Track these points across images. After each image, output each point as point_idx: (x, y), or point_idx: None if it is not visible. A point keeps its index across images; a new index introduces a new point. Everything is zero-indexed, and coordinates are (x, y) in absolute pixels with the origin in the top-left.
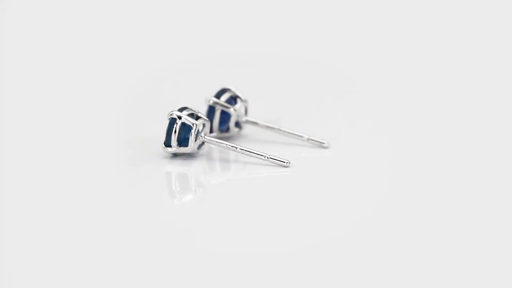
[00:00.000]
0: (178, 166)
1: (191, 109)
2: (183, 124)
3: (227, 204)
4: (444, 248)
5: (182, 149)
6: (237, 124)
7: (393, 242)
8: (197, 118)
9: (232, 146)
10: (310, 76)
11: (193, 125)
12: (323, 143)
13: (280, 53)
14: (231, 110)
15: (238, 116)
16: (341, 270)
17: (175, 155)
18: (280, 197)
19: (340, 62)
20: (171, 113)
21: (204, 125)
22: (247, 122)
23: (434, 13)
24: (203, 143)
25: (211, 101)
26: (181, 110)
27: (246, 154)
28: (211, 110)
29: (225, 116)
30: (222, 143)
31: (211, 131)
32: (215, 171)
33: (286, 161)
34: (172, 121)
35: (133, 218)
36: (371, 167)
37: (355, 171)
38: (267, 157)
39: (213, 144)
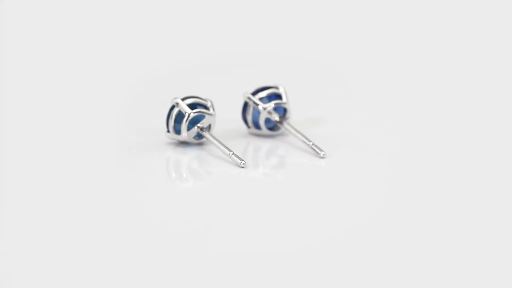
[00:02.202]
0: (177, 154)
1: (200, 99)
2: (179, 111)
3: (219, 203)
4: (440, 252)
5: (177, 136)
6: (269, 123)
7: (390, 244)
8: (205, 108)
9: (214, 139)
10: (310, 76)
11: (185, 114)
12: (319, 153)
13: (280, 53)
14: (259, 107)
15: (269, 114)
16: (336, 272)
17: (181, 143)
18: (274, 198)
19: (340, 62)
20: (173, 98)
21: (203, 116)
22: (278, 122)
23: (435, 13)
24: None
25: (245, 96)
26: (185, 98)
27: (216, 147)
28: (246, 105)
29: (256, 113)
30: (209, 138)
31: (248, 127)
32: (212, 166)
33: (242, 162)
34: (172, 107)
35: (124, 214)
36: (370, 169)
37: (354, 173)
38: (231, 154)
39: (206, 138)
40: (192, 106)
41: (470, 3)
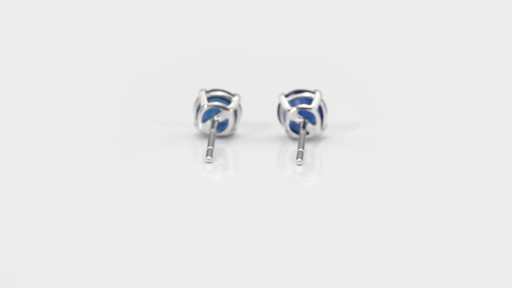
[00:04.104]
0: (192, 147)
1: (226, 93)
2: (199, 102)
3: (212, 203)
4: (440, 259)
5: (197, 127)
6: (295, 126)
7: (388, 246)
8: (226, 103)
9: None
10: (310, 76)
11: (202, 106)
12: (296, 160)
13: (281, 53)
14: (287, 110)
15: (293, 117)
16: (334, 273)
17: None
18: (278, 199)
19: (340, 62)
20: (199, 90)
21: (219, 110)
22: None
23: (437, 13)
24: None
25: (279, 96)
26: (211, 90)
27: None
28: (279, 106)
29: (284, 115)
30: (210, 131)
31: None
32: (218, 163)
33: (208, 158)
34: (197, 98)
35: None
36: (373, 171)
37: (358, 176)
38: (208, 148)
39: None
40: (213, 99)
41: (470, 3)
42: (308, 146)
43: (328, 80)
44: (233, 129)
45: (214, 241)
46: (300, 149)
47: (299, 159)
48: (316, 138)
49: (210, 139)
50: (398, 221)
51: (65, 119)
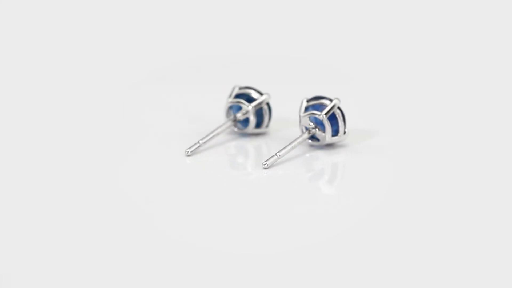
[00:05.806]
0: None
1: (254, 91)
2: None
3: (213, 202)
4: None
5: None
6: (306, 129)
7: (385, 248)
8: (249, 101)
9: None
10: (309, 76)
11: (228, 102)
12: (263, 163)
13: (280, 53)
14: (301, 116)
15: (305, 123)
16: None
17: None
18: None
19: (339, 62)
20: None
21: (240, 107)
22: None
23: (434, 12)
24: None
25: (302, 101)
26: (243, 87)
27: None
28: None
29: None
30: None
31: None
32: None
33: (188, 151)
34: None
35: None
36: (375, 175)
37: (352, 173)
38: (199, 142)
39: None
40: (240, 96)
41: (469, 3)
42: (316, 152)
43: (348, 86)
44: (257, 127)
45: (216, 241)
46: (277, 153)
47: (266, 163)
48: (332, 145)
49: (208, 134)
50: (404, 225)
51: (68, 114)
